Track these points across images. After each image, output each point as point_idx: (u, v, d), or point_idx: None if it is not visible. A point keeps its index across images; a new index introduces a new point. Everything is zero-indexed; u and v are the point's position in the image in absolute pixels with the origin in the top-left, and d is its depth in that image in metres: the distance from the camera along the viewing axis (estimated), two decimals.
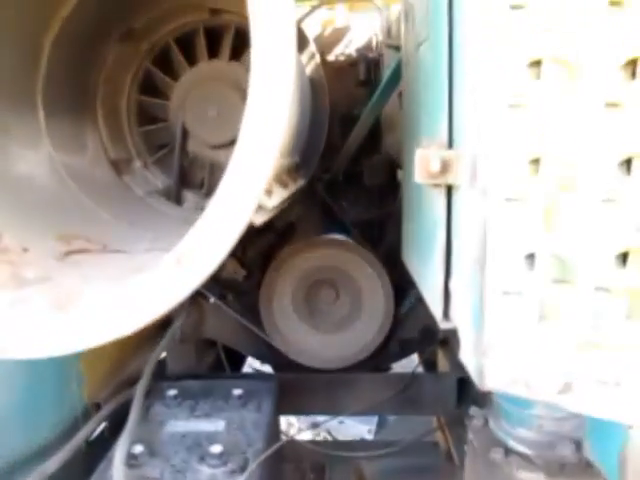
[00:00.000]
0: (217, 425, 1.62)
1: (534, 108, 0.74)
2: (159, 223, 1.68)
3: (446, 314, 0.95)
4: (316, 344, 2.04)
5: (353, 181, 2.15)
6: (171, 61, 2.03)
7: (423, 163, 0.82)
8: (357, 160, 2.12)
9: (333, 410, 2.13)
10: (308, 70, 1.72)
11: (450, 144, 0.87)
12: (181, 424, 1.62)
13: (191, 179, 2.10)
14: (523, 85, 0.74)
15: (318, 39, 2.39)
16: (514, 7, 0.73)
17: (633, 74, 0.72)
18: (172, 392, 1.74)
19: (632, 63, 0.72)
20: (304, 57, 1.72)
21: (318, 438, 3.33)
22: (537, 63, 0.74)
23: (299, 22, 2.57)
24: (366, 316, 2.04)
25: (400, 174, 1.60)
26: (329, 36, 2.41)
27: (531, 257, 0.78)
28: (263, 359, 2.27)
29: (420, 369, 2.23)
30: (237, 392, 1.74)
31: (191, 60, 2.03)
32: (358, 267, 2.00)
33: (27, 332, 0.81)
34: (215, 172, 2.11)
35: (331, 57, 2.29)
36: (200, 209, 2.08)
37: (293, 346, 2.03)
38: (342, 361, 2.04)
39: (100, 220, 1.50)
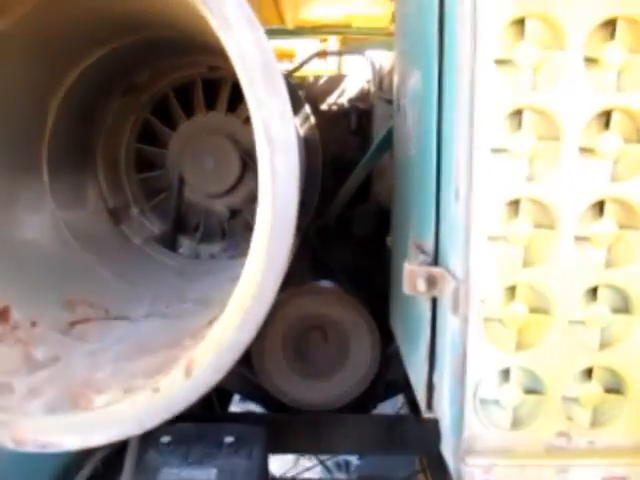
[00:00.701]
0: (209, 473, 1.69)
1: (515, 246, 0.83)
2: (157, 277, 1.75)
3: (429, 405, 1.03)
4: (304, 387, 2.11)
5: (342, 228, 2.23)
6: (169, 109, 2.10)
7: (410, 279, 0.90)
8: (347, 207, 2.20)
9: (318, 449, 2.20)
10: (303, 131, 1.79)
11: (436, 259, 0.95)
12: (175, 472, 1.68)
13: (186, 224, 2.17)
14: (502, 223, 0.83)
15: (312, 87, 2.48)
16: (494, 151, 0.82)
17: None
18: (166, 439, 1.80)
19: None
20: (299, 118, 1.80)
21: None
22: (515, 203, 0.83)
23: (296, 69, 2.67)
24: (353, 361, 2.11)
25: (389, 240, 1.68)
26: (323, 85, 2.49)
27: (506, 372, 0.87)
28: (252, 399, 2.34)
29: (405, 410, 2.31)
30: (229, 440, 1.80)
31: (189, 110, 2.10)
32: (346, 314, 2.07)
33: (40, 427, 0.88)
34: (210, 218, 2.18)
35: (324, 106, 2.38)
36: (194, 255, 2.16)
37: (281, 389, 2.10)
38: (329, 404, 2.12)
39: (102, 280, 1.56)
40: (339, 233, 2.22)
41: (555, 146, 0.81)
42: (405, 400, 2.35)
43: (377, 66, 2.37)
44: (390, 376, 2.25)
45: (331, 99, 2.40)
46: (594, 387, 0.88)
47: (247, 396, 2.33)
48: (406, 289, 0.92)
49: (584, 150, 0.81)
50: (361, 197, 2.18)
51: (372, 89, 2.39)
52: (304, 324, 2.08)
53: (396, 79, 1.51)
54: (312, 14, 3.62)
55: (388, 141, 1.73)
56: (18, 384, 1.00)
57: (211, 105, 2.10)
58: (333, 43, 4.53)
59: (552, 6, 0.78)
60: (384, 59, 2.40)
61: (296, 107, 1.78)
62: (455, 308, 0.82)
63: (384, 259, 1.95)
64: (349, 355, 2.10)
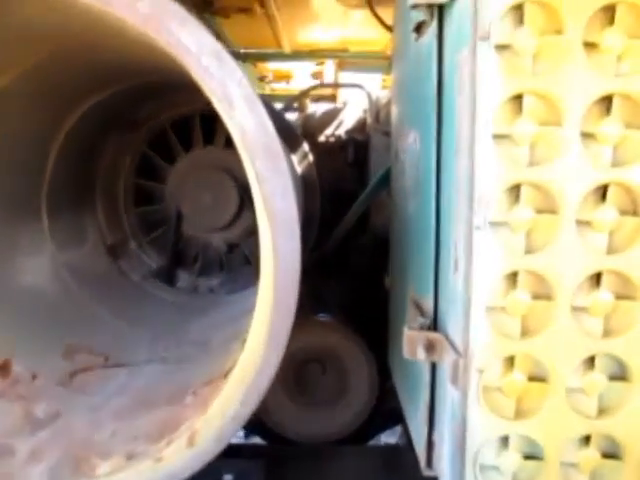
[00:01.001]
0: None
1: (513, 317, 0.84)
2: (155, 315, 1.75)
3: (429, 463, 1.04)
4: (303, 420, 2.11)
5: (340, 260, 2.24)
6: (167, 143, 2.11)
7: (410, 344, 0.91)
8: (344, 239, 2.21)
9: None
10: (301, 169, 1.81)
11: (435, 321, 0.96)
12: None
13: (184, 258, 2.18)
14: (501, 294, 0.84)
15: (311, 119, 2.50)
16: (491, 224, 0.83)
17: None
18: None
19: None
20: (297, 156, 1.81)
21: None
22: (513, 275, 0.84)
23: (295, 100, 2.69)
24: (352, 393, 2.12)
25: (387, 281, 1.69)
26: (321, 117, 2.51)
27: (505, 439, 0.88)
28: (252, 432, 2.34)
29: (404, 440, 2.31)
30: (228, 478, 1.81)
31: (187, 144, 2.11)
32: (344, 347, 2.08)
33: None
34: (208, 252, 2.19)
35: (322, 138, 2.39)
36: (192, 288, 2.16)
37: (280, 421, 2.11)
38: (328, 436, 2.12)
39: (101, 323, 1.56)
40: (337, 265, 2.23)
41: (553, 219, 0.83)
42: (403, 430, 2.35)
43: (374, 98, 2.39)
44: (389, 406, 2.26)
45: (329, 130, 2.42)
46: (592, 453, 0.89)
47: (247, 429, 2.32)
48: (406, 354, 0.93)
49: (581, 223, 0.83)
50: (359, 229, 2.20)
51: (369, 120, 2.42)
52: (303, 357, 2.09)
53: (394, 125, 1.53)
54: (309, 37, 3.64)
55: (386, 179, 1.75)
56: (19, 445, 1.00)
57: (209, 139, 2.11)
58: (330, 66, 4.57)
59: (549, 83, 0.80)
60: (380, 91, 2.42)
61: (294, 145, 1.80)
62: (455, 380, 0.83)
63: (381, 292, 1.96)
64: (348, 387, 2.11)
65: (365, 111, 2.60)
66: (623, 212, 0.82)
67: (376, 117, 2.34)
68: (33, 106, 1.33)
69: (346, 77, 4.60)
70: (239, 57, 4.06)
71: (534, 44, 0.78)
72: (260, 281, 0.81)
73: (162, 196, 2.11)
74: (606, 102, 0.81)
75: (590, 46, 0.79)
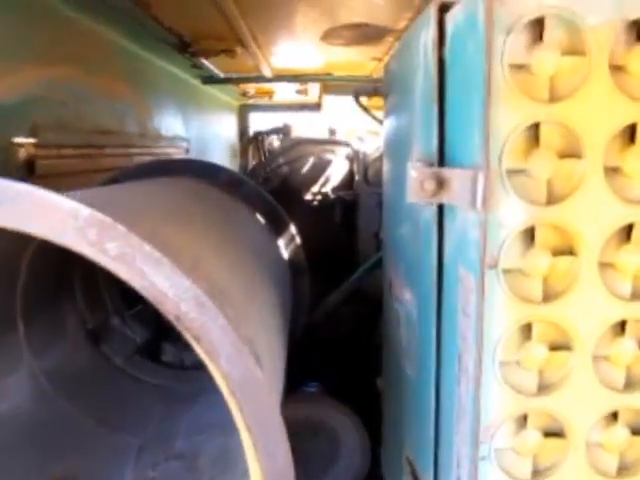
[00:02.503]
0: None
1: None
2: (142, 413, 1.70)
3: None
4: None
5: (327, 329, 2.19)
6: None
7: None
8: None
9: None
10: (288, 253, 1.75)
11: None
12: None
13: (169, 331, 2.11)
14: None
15: (296, 175, 2.42)
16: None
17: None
18: None
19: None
20: (284, 240, 1.75)
21: None
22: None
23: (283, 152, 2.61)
24: (343, 463, 2.10)
25: (379, 382, 1.65)
26: (306, 173, 2.43)
27: None
28: None
29: None
30: None
31: None
32: (334, 418, 2.05)
33: None
34: None
35: (308, 196, 2.32)
36: (179, 362, 2.11)
37: None
38: None
39: (84, 436, 1.50)
40: (324, 334, 2.18)
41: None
42: None
43: (361, 155, 2.32)
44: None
45: (315, 188, 2.34)
46: None
47: None
48: None
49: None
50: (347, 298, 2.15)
51: (357, 177, 2.34)
52: (293, 429, 2.04)
53: (387, 275, 1.44)
54: (291, 63, 3.53)
55: (377, 264, 1.69)
56: None
57: None
58: (314, 89, 4.45)
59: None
60: (367, 141, 2.34)
61: (280, 228, 1.73)
62: None
63: (369, 359, 1.92)
64: (338, 457, 2.08)
65: (351, 158, 2.52)
66: None
67: (364, 175, 2.26)
68: None
69: (330, 100, 4.50)
70: (220, 81, 3.94)
71: (545, 266, 0.73)
72: None
73: None
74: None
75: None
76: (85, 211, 0.67)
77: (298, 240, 1.76)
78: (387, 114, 1.47)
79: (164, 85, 3.18)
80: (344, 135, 5.60)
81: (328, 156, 2.52)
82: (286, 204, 2.49)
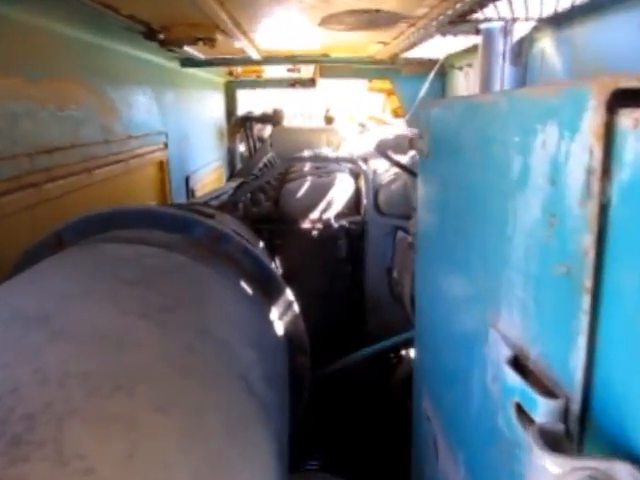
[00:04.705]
0: None
1: None
2: None
3: None
4: None
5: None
6: None
7: None
8: None
9: None
10: (284, 323, 1.35)
11: None
12: None
13: None
14: None
15: (291, 199, 1.99)
16: None
17: None
18: None
19: None
20: (279, 308, 1.35)
21: None
22: None
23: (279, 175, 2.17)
24: None
25: None
26: (305, 195, 2.00)
27: None
28: None
29: None
30: None
31: None
32: None
33: None
34: None
35: (306, 224, 1.89)
36: None
37: None
38: None
39: None
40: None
41: None
42: None
43: (370, 176, 1.89)
44: None
45: (314, 214, 1.91)
46: None
47: None
48: None
49: None
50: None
51: (364, 201, 1.91)
52: None
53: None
54: (282, 44, 3.05)
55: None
56: None
57: None
58: (307, 70, 3.95)
59: None
60: (379, 166, 1.88)
61: (274, 294, 1.34)
62: None
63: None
64: None
65: (356, 175, 2.08)
66: None
67: (375, 200, 1.83)
68: None
69: (326, 84, 4.01)
70: (201, 64, 3.45)
71: None
72: None
73: None
74: None
75: None
76: None
77: (296, 308, 1.37)
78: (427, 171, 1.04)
79: (133, 75, 2.70)
80: (343, 120, 5.12)
81: (330, 175, 2.08)
82: (279, 234, 2.10)
